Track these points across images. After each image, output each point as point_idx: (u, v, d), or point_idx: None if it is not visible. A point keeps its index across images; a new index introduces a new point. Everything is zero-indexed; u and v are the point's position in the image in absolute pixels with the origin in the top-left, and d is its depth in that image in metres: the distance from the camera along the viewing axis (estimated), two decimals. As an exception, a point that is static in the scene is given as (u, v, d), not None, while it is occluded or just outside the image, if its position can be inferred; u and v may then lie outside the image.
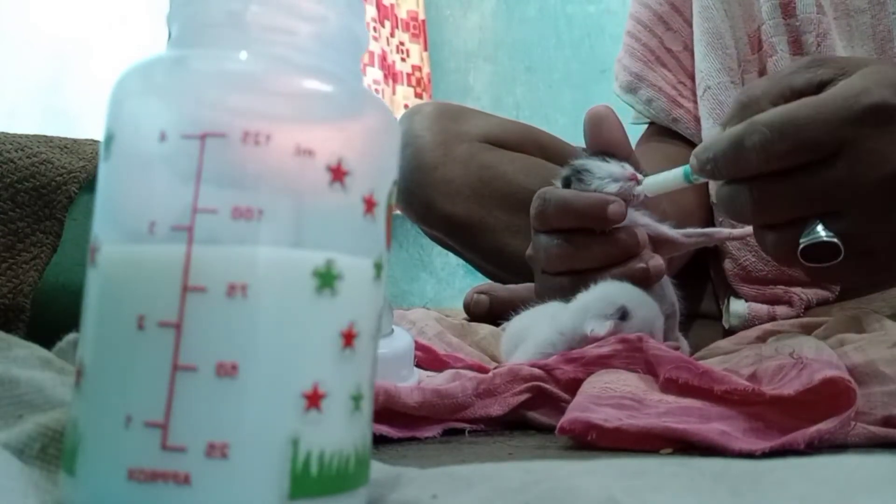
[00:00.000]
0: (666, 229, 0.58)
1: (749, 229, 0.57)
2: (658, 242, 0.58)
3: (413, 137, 0.86)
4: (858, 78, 0.44)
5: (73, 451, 0.21)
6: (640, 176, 0.55)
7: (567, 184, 0.57)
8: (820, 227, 0.45)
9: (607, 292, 0.51)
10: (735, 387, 0.38)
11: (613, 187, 0.54)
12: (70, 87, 2.04)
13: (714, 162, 0.46)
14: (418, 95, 2.59)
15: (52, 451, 0.24)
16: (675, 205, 0.67)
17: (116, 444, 0.20)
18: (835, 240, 0.44)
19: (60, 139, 0.59)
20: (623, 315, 0.49)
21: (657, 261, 0.55)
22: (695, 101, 0.82)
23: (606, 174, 0.55)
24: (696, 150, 0.48)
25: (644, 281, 0.54)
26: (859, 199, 0.44)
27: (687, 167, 0.51)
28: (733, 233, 0.62)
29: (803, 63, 0.47)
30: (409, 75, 2.60)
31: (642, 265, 0.55)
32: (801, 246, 0.45)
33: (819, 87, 0.45)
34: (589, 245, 0.55)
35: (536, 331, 0.53)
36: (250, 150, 0.21)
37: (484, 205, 0.85)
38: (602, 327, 0.49)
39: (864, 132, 0.42)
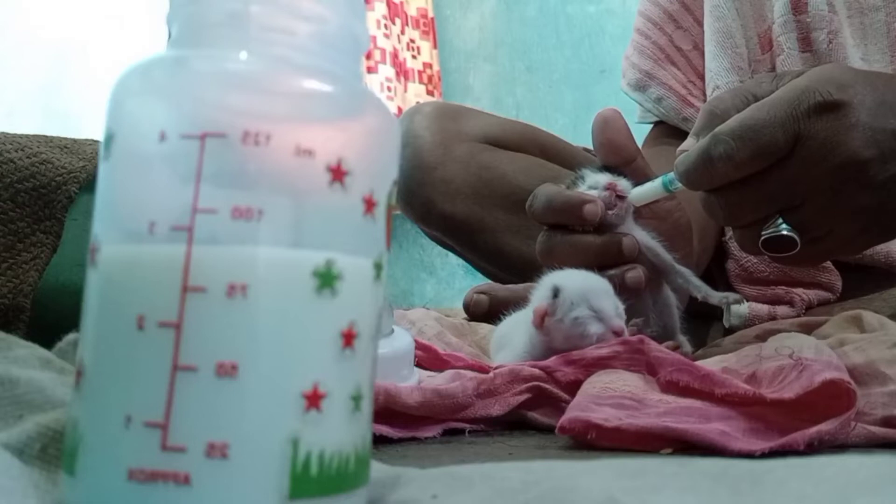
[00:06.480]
0: (665, 259, 0.58)
1: (716, 296, 0.58)
2: (657, 268, 0.58)
3: (413, 137, 0.86)
4: (803, 78, 0.47)
5: (73, 451, 0.21)
6: (619, 186, 0.56)
7: (569, 188, 0.59)
8: (780, 221, 0.49)
9: (549, 279, 0.52)
10: (736, 390, 0.38)
11: (593, 194, 0.56)
12: (70, 87, 2.04)
13: (686, 175, 0.49)
14: (430, 93, 2.55)
15: (53, 451, 0.24)
16: (694, 209, 0.67)
17: (116, 444, 0.20)
18: (793, 234, 0.48)
19: (60, 139, 0.59)
20: (555, 293, 0.50)
21: (636, 273, 0.55)
22: (705, 101, 0.82)
23: (594, 182, 0.57)
24: (677, 161, 0.51)
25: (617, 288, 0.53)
26: (812, 190, 0.47)
27: (665, 178, 0.53)
28: (707, 297, 0.58)
29: (766, 77, 0.51)
30: (420, 73, 2.57)
31: (619, 273, 0.55)
32: (763, 238, 0.49)
33: None
34: (566, 243, 0.57)
35: (515, 339, 0.54)
36: (250, 150, 0.21)
37: (484, 205, 0.84)
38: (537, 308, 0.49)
39: (813, 126, 0.46)
